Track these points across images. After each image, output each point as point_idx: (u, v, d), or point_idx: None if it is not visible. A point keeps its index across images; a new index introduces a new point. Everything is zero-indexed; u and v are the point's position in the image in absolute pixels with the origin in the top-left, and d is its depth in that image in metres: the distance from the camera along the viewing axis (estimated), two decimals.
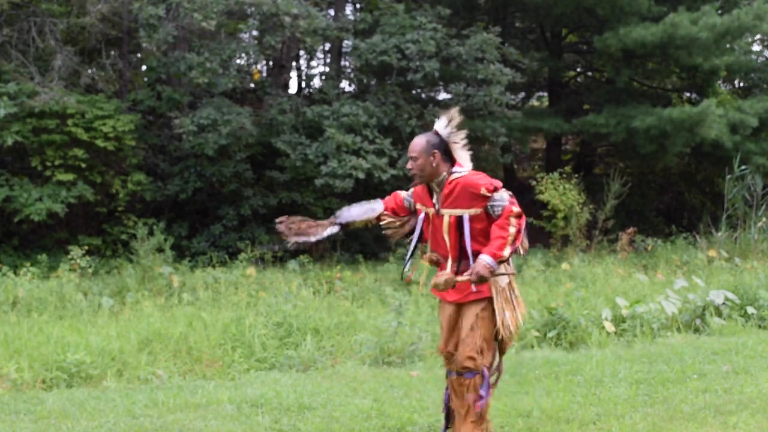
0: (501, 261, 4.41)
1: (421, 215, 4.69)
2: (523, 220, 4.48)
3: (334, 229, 4.88)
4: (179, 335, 8.04)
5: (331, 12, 16.98)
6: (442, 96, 16.84)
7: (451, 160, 4.59)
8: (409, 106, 15.14)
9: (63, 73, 14.09)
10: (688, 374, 6.40)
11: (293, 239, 4.83)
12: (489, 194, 4.47)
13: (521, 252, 4.55)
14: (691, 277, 10.39)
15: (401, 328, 7.63)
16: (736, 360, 6.89)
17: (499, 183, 4.52)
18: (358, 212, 4.94)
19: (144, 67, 17.39)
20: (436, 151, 4.56)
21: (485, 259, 4.37)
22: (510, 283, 4.62)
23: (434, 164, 4.57)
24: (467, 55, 14.97)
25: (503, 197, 4.49)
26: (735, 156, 15.25)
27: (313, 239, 4.84)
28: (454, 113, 4.62)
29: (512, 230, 4.44)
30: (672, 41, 15.23)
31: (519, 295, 4.67)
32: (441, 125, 4.61)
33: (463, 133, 4.61)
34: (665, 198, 19.88)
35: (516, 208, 4.46)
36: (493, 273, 4.41)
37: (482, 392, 4.52)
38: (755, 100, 16.67)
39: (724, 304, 8.76)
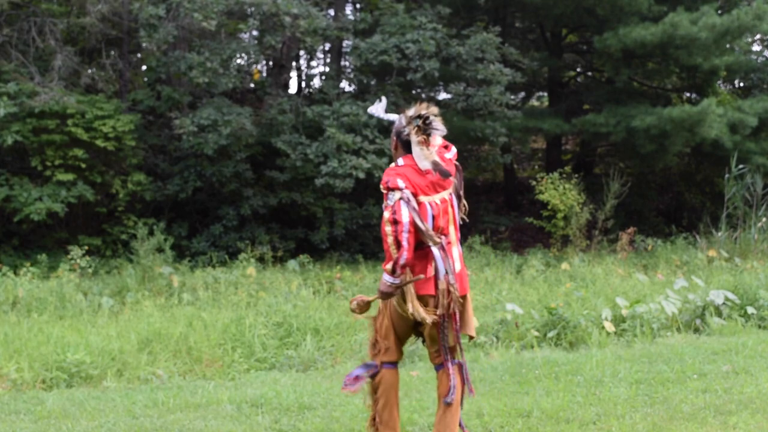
0: (394, 272, 4.37)
1: None
2: (401, 227, 4.31)
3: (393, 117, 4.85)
4: (179, 335, 8.04)
5: (331, 12, 16.97)
6: (442, 96, 16.84)
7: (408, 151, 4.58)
8: (409, 107, 15.11)
9: (63, 73, 14.09)
10: (688, 374, 6.40)
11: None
12: (384, 191, 4.43)
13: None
14: (691, 277, 10.40)
15: None
16: (736, 360, 6.90)
17: (395, 183, 4.40)
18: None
19: (144, 67, 17.39)
20: (394, 137, 4.63)
21: (383, 276, 4.43)
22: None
23: (393, 148, 4.67)
24: (467, 55, 14.97)
25: (392, 199, 4.39)
26: (734, 156, 15.25)
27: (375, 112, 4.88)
28: (423, 109, 4.54)
29: (389, 240, 4.34)
30: (672, 41, 15.22)
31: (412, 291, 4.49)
32: (407, 114, 4.58)
33: (419, 133, 4.49)
34: (665, 198, 19.87)
35: (390, 215, 4.33)
36: (391, 287, 4.41)
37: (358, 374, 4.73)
38: (755, 100, 16.65)
39: (724, 304, 8.77)
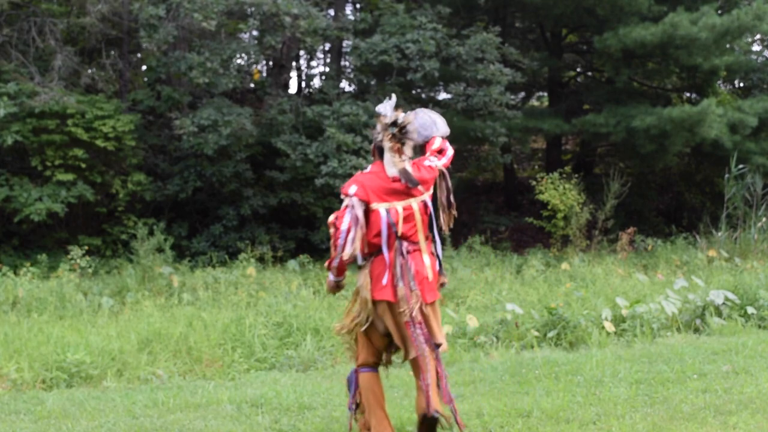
0: (330, 270, 4.68)
1: None
2: (339, 233, 4.53)
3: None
4: (179, 335, 8.04)
5: (331, 12, 16.97)
6: (442, 96, 16.84)
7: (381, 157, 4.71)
8: (409, 106, 15.12)
9: (63, 73, 14.08)
10: (688, 374, 6.40)
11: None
12: (342, 196, 4.64)
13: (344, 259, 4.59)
14: (691, 277, 10.40)
15: None
16: (736, 360, 6.90)
17: (349, 189, 4.57)
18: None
19: (144, 67, 17.38)
20: (373, 144, 4.75)
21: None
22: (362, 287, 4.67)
23: (372, 154, 4.79)
24: (467, 55, 14.97)
25: (343, 204, 4.62)
26: (734, 156, 15.25)
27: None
28: (400, 117, 4.62)
29: (331, 241, 4.61)
30: (672, 41, 15.22)
31: (356, 305, 4.72)
32: (383, 120, 4.66)
33: (393, 140, 4.60)
34: (665, 198, 19.87)
35: (333, 219, 4.60)
36: (332, 283, 4.74)
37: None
38: (755, 100, 16.65)
39: (724, 304, 8.77)
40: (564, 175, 15.02)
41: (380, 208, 4.55)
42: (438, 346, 4.70)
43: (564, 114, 17.23)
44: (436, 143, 4.83)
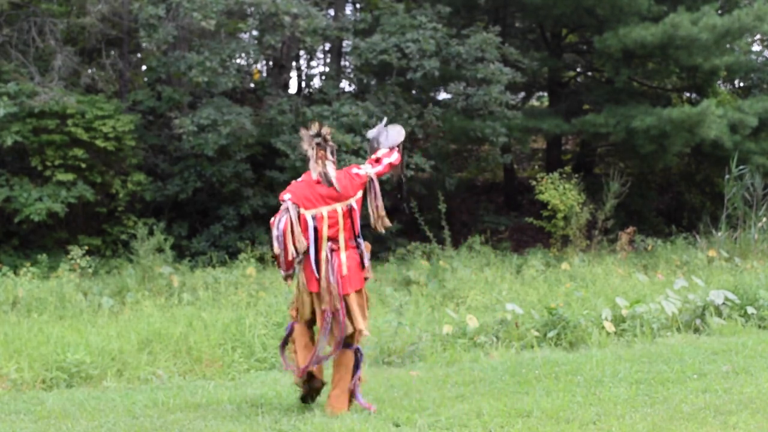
0: (279, 267, 5.45)
1: None
2: (276, 232, 5.25)
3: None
4: (179, 335, 8.04)
5: (331, 12, 16.97)
6: (442, 96, 16.83)
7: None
8: (409, 106, 15.12)
9: (63, 73, 14.08)
10: (688, 374, 6.41)
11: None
12: (281, 202, 5.38)
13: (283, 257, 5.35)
14: (691, 277, 10.40)
15: (401, 328, 7.64)
16: (736, 360, 6.90)
17: (285, 195, 5.35)
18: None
19: (144, 67, 17.38)
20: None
21: None
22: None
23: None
24: (467, 55, 14.96)
25: (281, 208, 5.35)
26: (734, 156, 15.24)
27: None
28: (319, 128, 5.37)
29: (275, 241, 5.32)
30: (672, 41, 15.21)
31: (295, 298, 5.58)
32: (306, 133, 5.45)
33: (318, 149, 5.35)
34: (665, 198, 19.86)
35: (271, 221, 5.37)
36: (284, 276, 5.48)
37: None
38: (755, 100, 16.63)
39: (724, 304, 8.78)
40: (564, 175, 15.00)
41: (307, 214, 5.29)
42: (356, 330, 5.45)
43: (564, 114, 17.22)
44: (379, 153, 5.65)
